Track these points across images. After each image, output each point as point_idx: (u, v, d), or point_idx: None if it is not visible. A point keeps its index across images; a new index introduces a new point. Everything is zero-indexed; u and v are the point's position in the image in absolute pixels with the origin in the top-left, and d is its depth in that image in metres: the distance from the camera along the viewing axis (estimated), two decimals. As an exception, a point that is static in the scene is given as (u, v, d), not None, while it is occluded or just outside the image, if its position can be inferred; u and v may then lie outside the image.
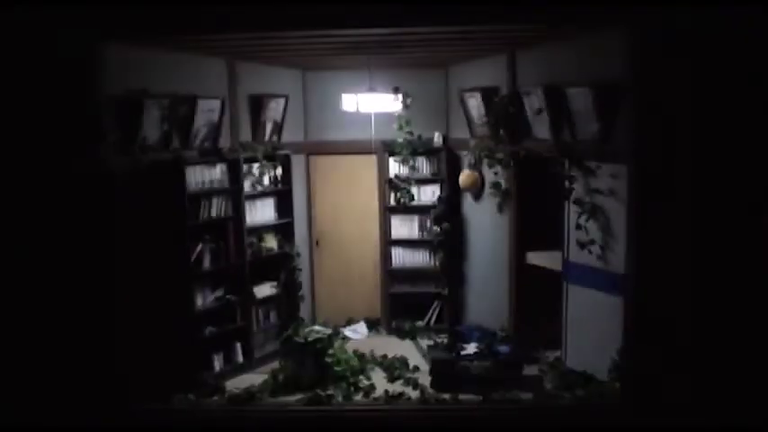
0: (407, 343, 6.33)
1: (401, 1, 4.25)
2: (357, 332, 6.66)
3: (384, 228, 6.61)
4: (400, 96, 5.35)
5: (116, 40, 4.52)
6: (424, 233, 6.56)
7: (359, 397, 4.94)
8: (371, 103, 5.42)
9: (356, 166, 6.73)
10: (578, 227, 4.95)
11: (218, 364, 5.39)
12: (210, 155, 5.28)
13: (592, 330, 5.01)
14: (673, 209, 4.42)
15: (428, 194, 6.52)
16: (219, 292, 5.45)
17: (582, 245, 4.94)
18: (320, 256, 6.95)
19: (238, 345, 5.56)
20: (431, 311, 6.63)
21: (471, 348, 5.15)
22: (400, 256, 6.65)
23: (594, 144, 4.77)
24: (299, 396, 4.87)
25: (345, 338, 6.52)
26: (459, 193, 6.50)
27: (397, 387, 5.09)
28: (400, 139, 6.32)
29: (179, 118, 5.10)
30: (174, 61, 5.12)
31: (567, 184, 5.05)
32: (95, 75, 4.50)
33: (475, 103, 5.96)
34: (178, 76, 5.17)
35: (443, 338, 6.02)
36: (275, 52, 5.44)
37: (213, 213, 5.28)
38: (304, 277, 6.76)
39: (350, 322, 6.83)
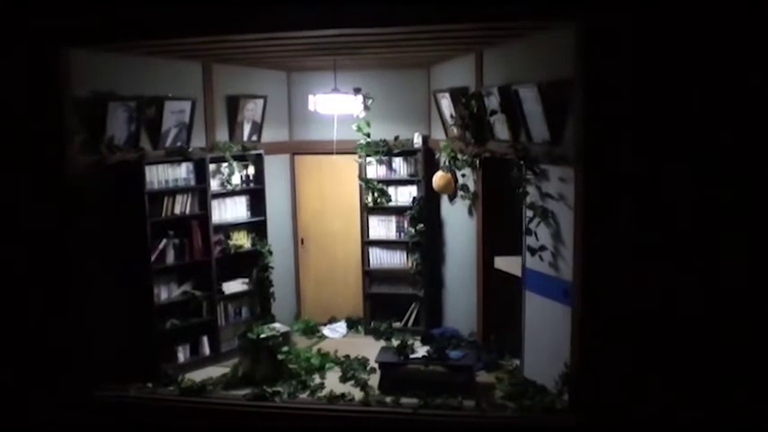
0: (381, 344, 6.30)
1: (362, 2, 4.28)
2: (336, 331, 6.70)
3: (362, 228, 6.60)
4: (360, 97, 5.31)
5: (85, 45, 4.77)
6: (402, 234, 6.51)
7: (305, 395, 4.97)
8: (333, 104, 5.44)
9: (340, 166, 6.74)
10: (528, 232, 4.80)
11: (182, 355, 5.57)
12: (176, 154, 5.45)
13: (546, 339, 4.85)
14: (618, 213, 4.21)
15: (405, 195, 6.46)
16: (186, 287, 5.63)
17: (532, 251, 4.79)
18: (305, 255, 7.04)
19: (205, 338, 5.72)
20: (408, 313, 6.58)
21: (421, 352, 5.08)
22: (378, 257, 6.62)
23: (545, 146, 4.61)
24: (248, 390, 4.96)
25: (322, 337, 6.60)
26: (438, 195, 6.41)
27: (346, 387, 5.09)
28: (361, 141, 6.29)
29: (147, 119, 5.33)
30: (148, 64, 5.33)
31: (521, 186, 4.91)
32: (63, 77, 4.78)
33: (446, 104, 5.87)
34: (152, 79, 5.38)
35: (417, 340, 5.96)
36: (248, 54, 5.55)
37: (177, 210, 5.44)
38: (289, 275, 6.89)
39: (332, 321, 6.89)
